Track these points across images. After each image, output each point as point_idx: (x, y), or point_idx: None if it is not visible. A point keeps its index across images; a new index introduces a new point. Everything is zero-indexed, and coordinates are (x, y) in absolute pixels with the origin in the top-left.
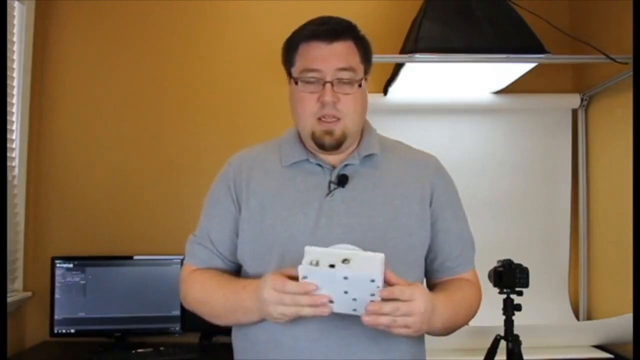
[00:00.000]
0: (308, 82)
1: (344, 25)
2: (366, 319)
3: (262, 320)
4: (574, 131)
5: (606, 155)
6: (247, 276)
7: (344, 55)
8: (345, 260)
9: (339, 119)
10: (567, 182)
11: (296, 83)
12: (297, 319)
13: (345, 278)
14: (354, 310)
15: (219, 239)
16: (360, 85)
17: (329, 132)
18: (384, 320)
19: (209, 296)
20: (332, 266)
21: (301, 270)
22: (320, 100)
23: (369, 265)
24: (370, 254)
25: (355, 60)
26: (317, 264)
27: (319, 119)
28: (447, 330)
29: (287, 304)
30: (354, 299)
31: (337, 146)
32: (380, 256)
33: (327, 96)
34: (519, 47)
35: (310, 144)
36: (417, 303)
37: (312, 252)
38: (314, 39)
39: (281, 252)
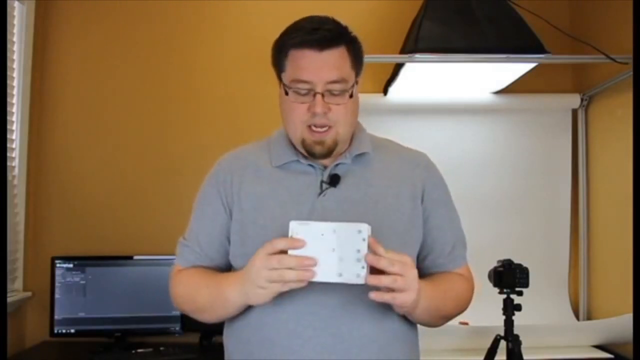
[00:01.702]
0: (298, 93)
1: (335, 32)
2: (370, 281)
3: (245, 312)
4: (574, 131)
5: (606, 155)
6: None
7: (335, 65)
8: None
9: (330, 127)
10: (567, 182)
11: (286, 93)
12: (287, 317)
13: (334, 231)
14: (340, 275)
15: (207, 242)
16: (351, 96)
17: (320, 142)
18: (386, 280)
19: (193, 292)
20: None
21: (292, 225)
22: (311, 110)
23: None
24: (355, 223)
25: (346, 68)
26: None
27: (309, 126)
28: (431, 317)
29: (274, 266)
30: (340, 259)
31: (328, 154)
32: (365, 225)
33: (318, 107)
34: (519, 47)
35: (301, 149)
36: (410, 267)
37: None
38: (304, 47)
39: None
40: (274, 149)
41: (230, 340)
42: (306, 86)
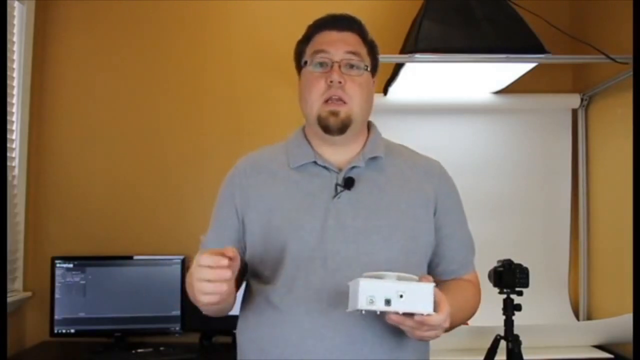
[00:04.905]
0: (317, 64)
1: (355, 20)
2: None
3: (259, 310)
4: (574, 131)
5: (606, 155)
6: (261, 277)
7: (352, 42)
8: (400, 295)
9: (344, 103)
10: (567, 182)
11: (305, 65)
12: (302, 317)
13: (399, 312)
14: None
15: (218, 246)
16: (367, 69)
17: (334, 113)
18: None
19: None
20: (388, 302)
21: (360, 308)
22: (328, 80)
23: (422, 298)
24: (422, 284)
25: (362, 50)
26: (372, 301)
27: (326, 101)
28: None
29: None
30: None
31: (342, 129)
32: (430, 287)
33: (335, 75)
34: (519, 47)
35: (316, 129)
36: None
37: (367, 287)
38: (325, 29)
39: (292, 254)
40: (292, 150)
41: (243, 338)
42: (325, 56)
